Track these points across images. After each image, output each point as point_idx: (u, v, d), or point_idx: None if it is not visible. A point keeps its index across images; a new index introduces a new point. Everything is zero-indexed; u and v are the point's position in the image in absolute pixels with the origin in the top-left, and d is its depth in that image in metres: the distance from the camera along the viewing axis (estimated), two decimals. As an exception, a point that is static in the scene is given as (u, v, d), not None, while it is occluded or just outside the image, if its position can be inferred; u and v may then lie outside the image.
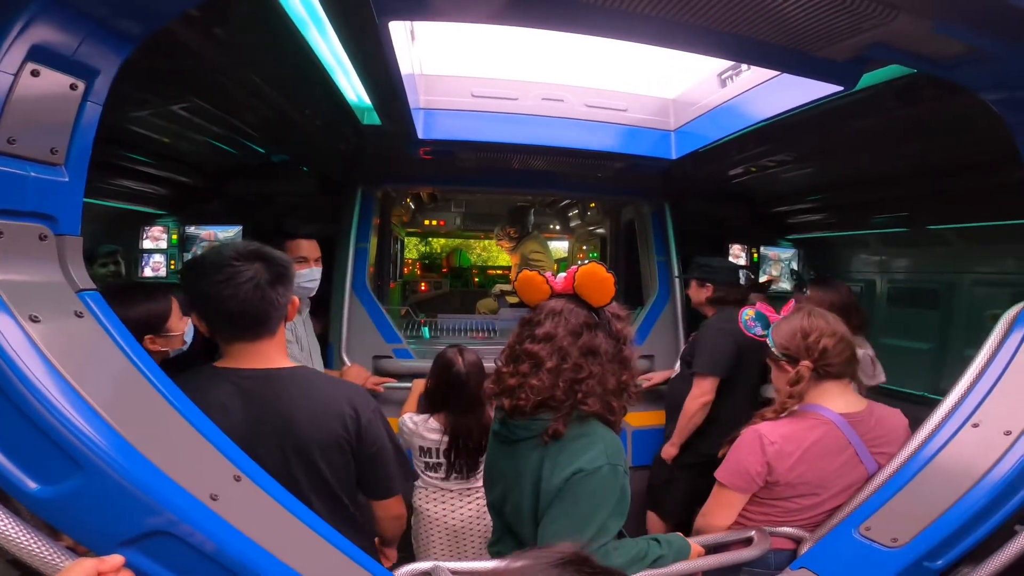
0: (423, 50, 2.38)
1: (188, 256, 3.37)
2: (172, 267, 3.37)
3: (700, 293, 2.80)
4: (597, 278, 1.27)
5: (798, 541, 1.50)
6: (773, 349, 1.65)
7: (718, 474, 1.56)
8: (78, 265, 1.03)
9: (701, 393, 2.56)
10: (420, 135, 2.53)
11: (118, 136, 2.58)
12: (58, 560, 0.77)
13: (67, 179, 1.01)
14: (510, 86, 2.63)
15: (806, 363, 1.56)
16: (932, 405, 1.46)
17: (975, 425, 1.34)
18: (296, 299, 1.42)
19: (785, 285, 3.95)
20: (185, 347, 1.69)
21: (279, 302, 1.32)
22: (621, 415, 1.31)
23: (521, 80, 2.66)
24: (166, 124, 2.45)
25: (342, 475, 1.35)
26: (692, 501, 2.48)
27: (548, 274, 1.37)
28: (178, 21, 1.50)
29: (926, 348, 3.22)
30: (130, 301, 1.63)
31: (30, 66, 0.90)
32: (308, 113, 2.37)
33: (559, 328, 1.26)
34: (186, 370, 1.36)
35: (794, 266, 4.01)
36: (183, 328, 1.68)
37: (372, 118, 2.42)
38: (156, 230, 3.42)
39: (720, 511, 1.57)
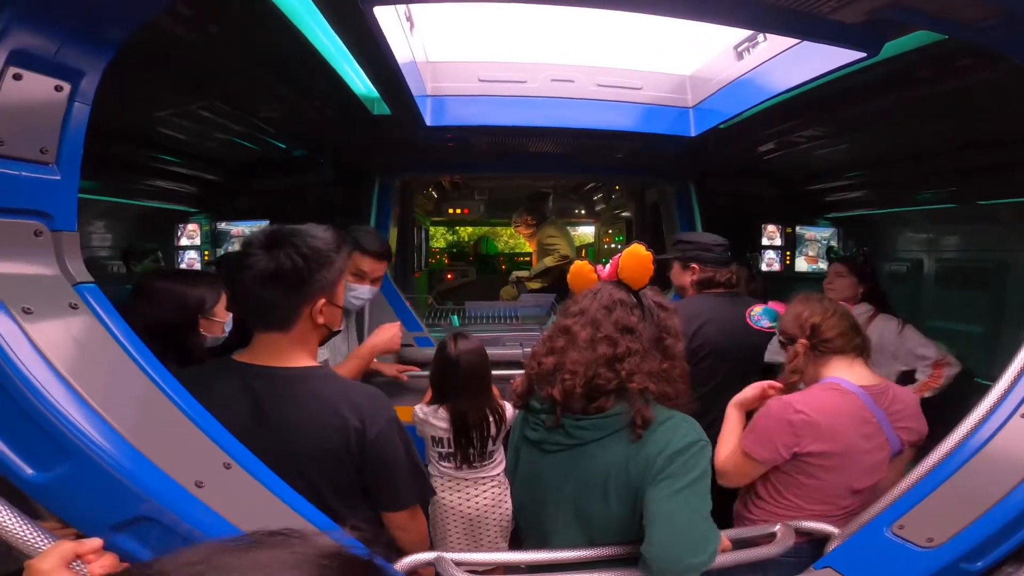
0: (427, 38, 2.37)
1: (220, 252, 3.50)
2: (206, 260, 3.51)
3: (683, 276, 2.43)
4: (634, 257, 1.27)
5: (826, 538, 1.43)
6: (780, 339, 1.74)
7: (743, 443, 1.55)
8: (75, 259, 1.07)
9: None
10: (428, 122, 2.53)
11: (147, 138, 2.71)
12: (40, 542, 0.81)
13: (59, 177, 1.04)
14: (518, 69, 2.58)
15: (801, 340, 1.66)
16: (984, 392, 1.33)
17: None
18: (334, 305, 1.32)
19: (824, 266, 3.78)
20: (223, 335, 1.75)
21: (286, 299, 1.24)
22: (684, 401, 1.26)
23: (530, 63, 2.60)
24: (190, 124, 2.54)
25: (337, 486, 1.27)
26: None
27: (598, 265, 1.39)
28: (175, 22, 1.54)
29: (978, 331, 3.01)
30: (190, 282, 1.75)
31: (12, 70, 0.93)
32: (319, 105, 2.40)
33: (592, 303, 1.26)
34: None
35: (833, 244, 3.82)
36: (225, 317, 1.74)
37: (382, 108, 2.43)
38: (191, 227, 3.57)
39: (737, 475, 1.60)
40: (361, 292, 2.21)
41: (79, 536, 0.91)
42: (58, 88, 1.01)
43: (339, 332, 1.51)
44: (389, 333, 2.33)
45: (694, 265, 2.39)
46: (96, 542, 0.79)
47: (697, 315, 2.23)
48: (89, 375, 0.95)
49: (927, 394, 2.55)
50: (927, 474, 1.30)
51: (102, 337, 1.03)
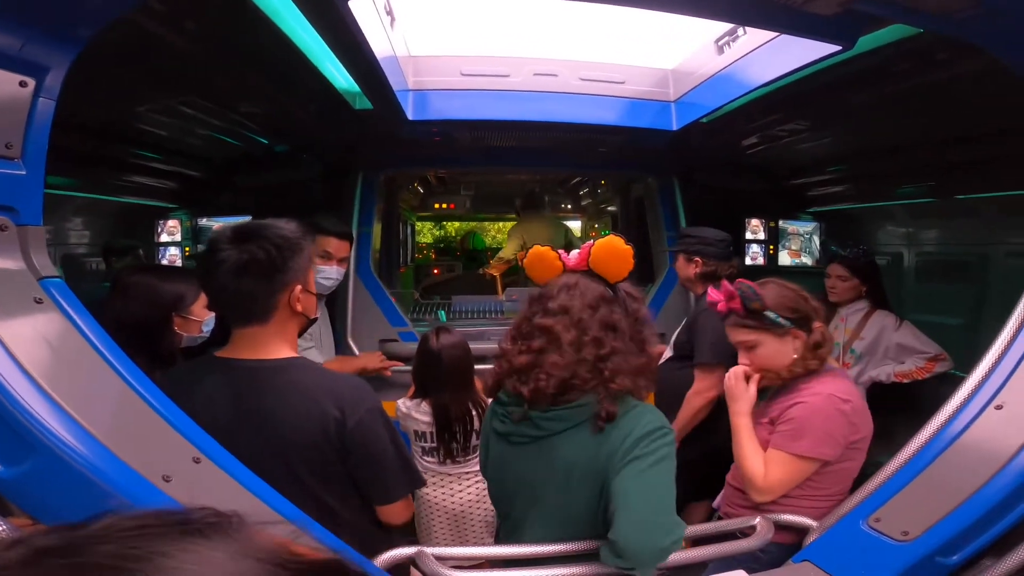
0: (408, 32, 2.35)
1: (201, 247, 3.46)
2: (187, 254, 3.47)
3: (688, 268, 2.54)
4: (615, 251, 1.21)
5: (804, 531, 1.42)
6: (779, 319, 1.58)
7: (799, 449, 1.48)
8: (41, 253, 1.05)
9: (707, 387, 2.30)
10: (410, 116, 2.51)
11: (126, 133, 2.67)
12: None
13: (24, 172, 1.03)
14: (501, 63, 2.58)
15: (819, 324, 1.59)
16: (960, 383, 1.34)
17: (999, 407, 1.22)
18: (309, 292, 1.33)
19: (807, 260, 3.82)
20: (201, 335, 1.72)
21: (263, 289, 1.24)
22: (645, 396, 1.24)
23: (512, 57, 2.60)
24: (170, 120, 2.51)
25: (325, 477, 1.27)
26: (688, 500, 2.39)
27: (561, 251, 1.32)
28: (150, 17, 1.51)
29: (957, 324, 3.06)
30: (166, 277, 1.70)
31: None
32: (300, 100, 2.38)
33: (575, 301, 1.18)
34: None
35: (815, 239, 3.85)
36: (204, 317, 1.70)
37: (364, 102, 2.41)
38: (171, 224, 3.52)
39: (790, 484, 1.51)
40: (329, 272, 2.27)
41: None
42: (23, 84, 0.99)
43: (316, 320, 1.50)
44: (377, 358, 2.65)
45: (697, 259, 2.50)
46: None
47: None
48: (54, 370, 0.94)
49: (905, 381, 2.59)
50: (903, 466, 1.30)
51: (67, 331, 1.01)
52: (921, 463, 1.26)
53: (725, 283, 1.64)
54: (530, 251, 1.33)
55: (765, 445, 1.56)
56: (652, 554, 1.04)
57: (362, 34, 1.56)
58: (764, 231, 3.86)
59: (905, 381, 2.61)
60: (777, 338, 1.61)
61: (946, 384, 2.55)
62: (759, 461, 1.53)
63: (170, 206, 3.50)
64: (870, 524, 1.24)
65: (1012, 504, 1.12)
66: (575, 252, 1.30)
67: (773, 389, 1.63)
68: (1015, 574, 1.12)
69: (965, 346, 2.83)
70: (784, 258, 3.90)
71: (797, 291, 1.63)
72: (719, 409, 2.24)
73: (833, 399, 1.49)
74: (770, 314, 1.59)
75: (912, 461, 1.29)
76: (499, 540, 1.41)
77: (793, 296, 1.61)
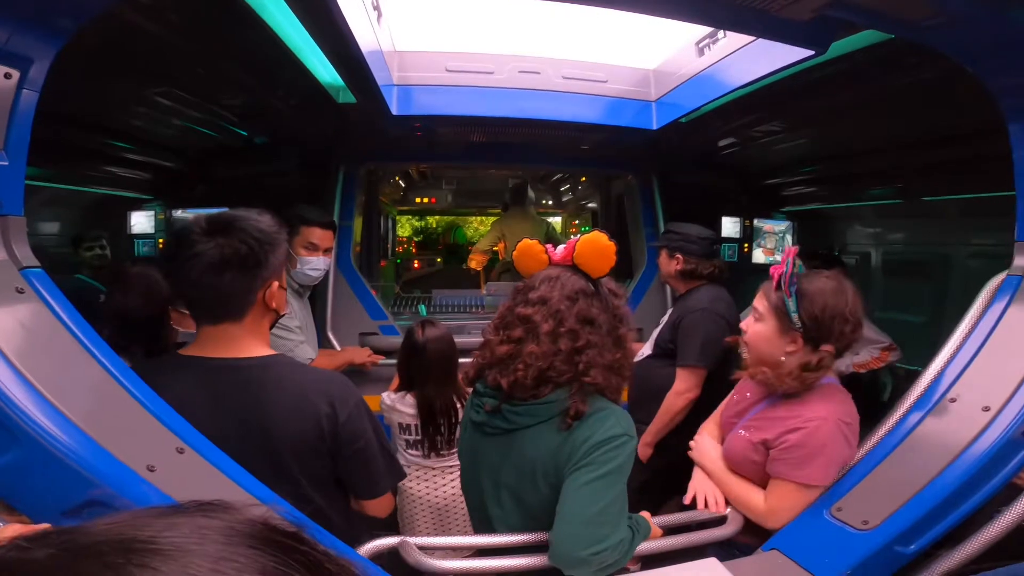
0: (395, 27, 2.35)
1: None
2: (161, 247, 3.41)
3: (669, 264, 2.52)
4: (597, 246, 1.23)
5: None
6: (793, 313, 1.40)
7: (805, 478, 1.35)
8: (22, 244, 1.05)
9: (688, 388, 2.29)
10: (394, 111, 2.51)
11: (100, 123, 2.61)
12: (-16, 526, 0.79)
13: (6, 163, 1.02)
14: (485, 60, 2.59)
15: (829, 349, 1.39)
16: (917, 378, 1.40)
17: (952, 400, 1.29)
18: (283, 288, 1.29)
19: (780, 258, 3.92)
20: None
21: (243, 285, 1.18)
22: (619, 393, 1.25)
23: (497, 54, 2.62)
24: (146, 110, 2.46)
25: (315, 475, 1.24)
26: (662, 503, 2.37)
27: (548, 245, 1.33)
28: (133, 9, 1.49)
29: (921, 320, 3.19)
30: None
31: None
32: (282, 93, 2.36)
33: (554, 292, 1.21)
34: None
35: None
36: None
37: (347, 96, 2.40)
38: (144, 215, 3.45)
39: (800, 508, 1.37)
40: (317, 263, 2.26)
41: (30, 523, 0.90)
42: (7, 76, 0.99)
43: (285, 315, 1.46)
44: (364, 353, 2.76)
45: (679, 255, 2.49)
46: (45, 528, 0.77)
47: (728, 301, 2.43)
48: (36, 360, 0.94)
49: (862, 371, 2.70)
50: (863, 457, 1.35)
51: (49, 321, 1.01)
52: (880, 454, 1.32)
53: (793, 250, 1.44)
54: (518, 245, 1.35)
55: (741, 455, 1.47)
56: (571, 562, 1.08)
57: (349, 28, 1.56)
58: (739, 229, 3.96)
59: (862, 372, 2.71)
60: (779, 327, 1.44)
61: (907, 379, 2.67)
62: (753, 495, 1.43)
63: (144, 197, 3.42)
64: (832, 513, 1.29)
65: (963, 496, 1.17)
66: (561, 247, 1.31)
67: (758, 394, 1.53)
68: (968, 564, 1.17)
69: (929, 341, 2.96)
70: (759, 256, 4.01)
71: (850, 311, 1.39)
72: (696, 411, 2.27)
73: (838, 424, 1.34)
74: (791, 302, 1.41)
75: (872, 452, 1.35)
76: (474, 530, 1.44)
77: (833, 310, 1.38)
